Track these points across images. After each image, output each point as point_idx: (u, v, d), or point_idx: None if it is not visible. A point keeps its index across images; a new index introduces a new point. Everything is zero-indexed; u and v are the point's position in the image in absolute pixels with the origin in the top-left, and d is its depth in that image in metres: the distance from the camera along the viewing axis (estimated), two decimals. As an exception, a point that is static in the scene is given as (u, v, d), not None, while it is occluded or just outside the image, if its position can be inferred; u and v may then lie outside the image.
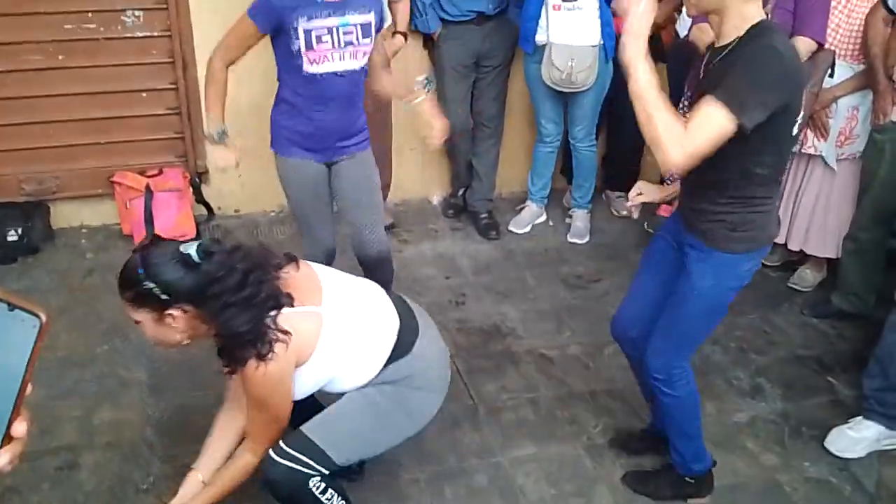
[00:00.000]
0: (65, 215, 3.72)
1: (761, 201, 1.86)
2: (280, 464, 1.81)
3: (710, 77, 1.80)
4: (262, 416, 1.80)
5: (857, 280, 3.13)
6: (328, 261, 2.61)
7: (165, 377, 2.75)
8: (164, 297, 1.66)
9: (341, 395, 1.93)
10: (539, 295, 3.36)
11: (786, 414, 2.69)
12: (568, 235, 3.83)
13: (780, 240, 3.39)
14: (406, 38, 3.49)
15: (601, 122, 3.81)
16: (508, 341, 3.04)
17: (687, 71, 3.31)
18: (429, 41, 3.72)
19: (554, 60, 3.35)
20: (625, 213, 4.06)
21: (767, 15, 2.75)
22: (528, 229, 3.88)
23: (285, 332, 1.70)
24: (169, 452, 2.41)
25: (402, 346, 1.91)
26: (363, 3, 2.40)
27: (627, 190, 2.41)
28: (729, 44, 1.77)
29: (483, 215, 3.88)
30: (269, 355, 1.68)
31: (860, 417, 2.53)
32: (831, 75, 2.88)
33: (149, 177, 3.60)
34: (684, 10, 2.65)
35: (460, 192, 4.02)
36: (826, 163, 3.16)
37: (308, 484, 1.83)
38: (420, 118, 2.59)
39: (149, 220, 3.51)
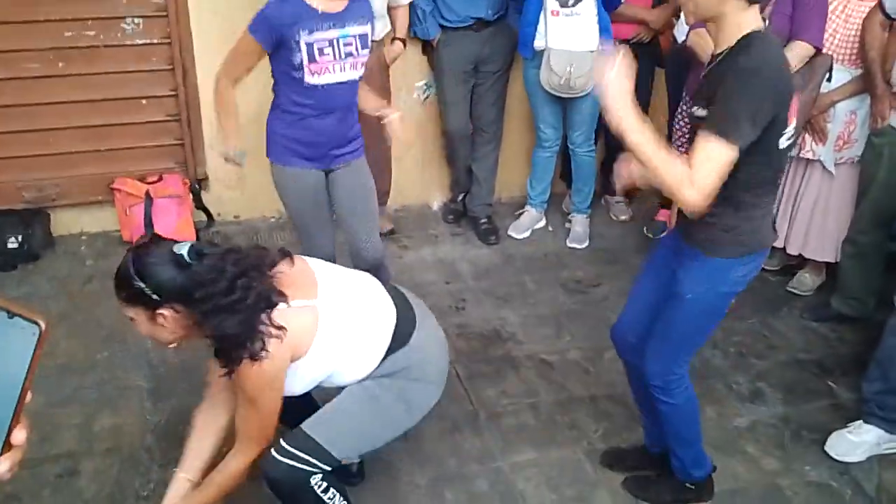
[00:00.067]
0: (65, 222, 3.72)
1: (752, 207, 1.86)
2: (281, 462, 1.81)
3: (705, 85, 1.82)
4: (252, 415, 1.78)
5: (856, 283, 3.13)
6: None
7: (165, 383, 2.75)
8: (154, 296, 1.65)
9: (341, 389, 1.93)
10: (539, 300, 3.36)
11: (786, 418, 2.68)
12: (567, 240, 3.83)
13: (779, 244, 3.40)
14: (405, 45, 3.50)
15: (600, 127, 3.82)
16: (508, 346, 3.04)
17: (685, 75, 3.32)
18: (428, 47, 3.73)
19: (552, 66, 3.36)
20: (624, 217, 4.07)
21: (765, 20, 2.77)
22: (527, 234, 3.89)
23: (279, 328, 1.69)
24: (169, 458, 2.40)
25: (400, 338, 1.90)
26: (361, 14, 2.42)
27: (626, 195, 2.42)
28: (722, 52, 1.79)
29: (483, 220, 3.89)
30: (263, 353, 1.67)
31: (860, 421, 2.52)
32: (829, 80, 2.88)
33: (149, 183, 3.61)
34: (682, 15, 2.66)
35: (460, 198, 4.03)
36: (824, 167, 3.16)
37: (310, 482, 1.84)
38: (392, 125, 2.58)
39: (149, 226, 3.52)
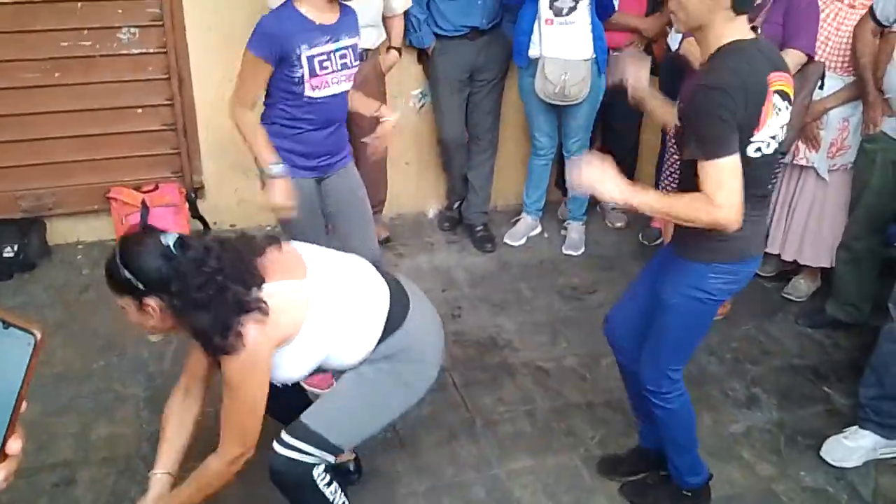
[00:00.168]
0: (61, 231, 3.72)
1: None
2: (282, 455, 1.83)
3: (685, 95, 1.84)
4: (234, 405, 1.75)
5: (851, 289, 3.14)
6: None
7: (161, 392, 2.74)
8: (140, 286, 1.65)
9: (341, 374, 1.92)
10: (535, 307, 3.37)
11: (782, 424, 2.69)
12: (563, 247, 3.84)
13: (774, 250, 3.41)
14: (400, 54, 3.51)
15: (595, 135, 3.84)
16: (505, 353, 3.04)
17: (678, 84, 3.33)
18: (423, 56, 3.75)
19: (547, 74, 3.37)
20: (619, 224, 4.08)
21: (757, 29, 2.79)
22: (523, 241, 3.90)
23: (263, 313, 1.67)
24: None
25: (395, 320, 1.90)
26: (352, 25, 2.44)
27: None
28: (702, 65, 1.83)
29: (479, 228, 3.90)
30: (240, 348, 1.66)
31: (856, 427, 2.53)
32: (821, 87, 2.90)
33: (145, 192, 3.61)
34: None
35: (456, 205, 4.04)
36: (818, 174, 3.18)
37: (312, 473, 1.85)
38: (384, 127, 2.61)
39: (145, 235, 3.52)
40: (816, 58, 2.90)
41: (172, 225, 3.61)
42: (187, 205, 3.74)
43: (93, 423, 2.60)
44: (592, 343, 3.09)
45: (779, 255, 3.43)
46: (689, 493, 2.29)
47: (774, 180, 3.15)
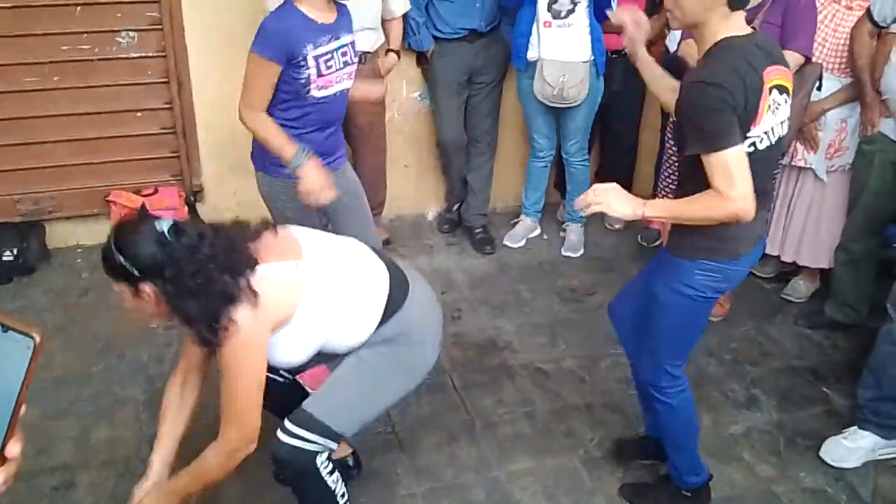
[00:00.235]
0: (60, 235, 3.72)
1: None
2: (285, 443, 1.83)
3: (681, 92, 1.85)
4: (231, 390, 1.73)
5: (849, 290, 3.15)
6: None
7: (161, 395, 2.73)
8: (135, 272, 1.65)
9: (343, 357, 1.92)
10: (534, 309, 3.37)
11: (781, 425, 2.69)
12: (562, 249, 3.85)
13: (773, 252, 3.42)
14: (399, 56, 3.52)
15: (593, 136, 3.84)
16: (504, 355, 3.04)
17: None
18: (422, 59, 3.75)
19: (546, 76, 3.38)
20: (618, 226, 4.08)
21: (755, 30, 2.79)
22: (522, 243, 3.90)
23: (254, 299, 1.66)
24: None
25: (395, 303, 1.89)
26: (348, 23, 2.44)
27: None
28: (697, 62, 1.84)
29: (478, 230, 3.90)
30: (232, 330, 1.65)
31: (855, 427, 2.54)
32: (819, 89, 2.90)
33: (144, 196, 3.61)
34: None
35: (455, 207, 4.04)
36: (816, 175, 3.18)
37: (315, 462, 1.86)
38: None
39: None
40: (814, 59, 2.90)
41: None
42: (187, 208, 3.74)
43: (92, 426, 2.60)
44: (591, 345, 3.10)
45: (778, 257, 3.44)
46: (689, 494, 2.29)
47: (774, 179, 3.15)
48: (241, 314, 1.65)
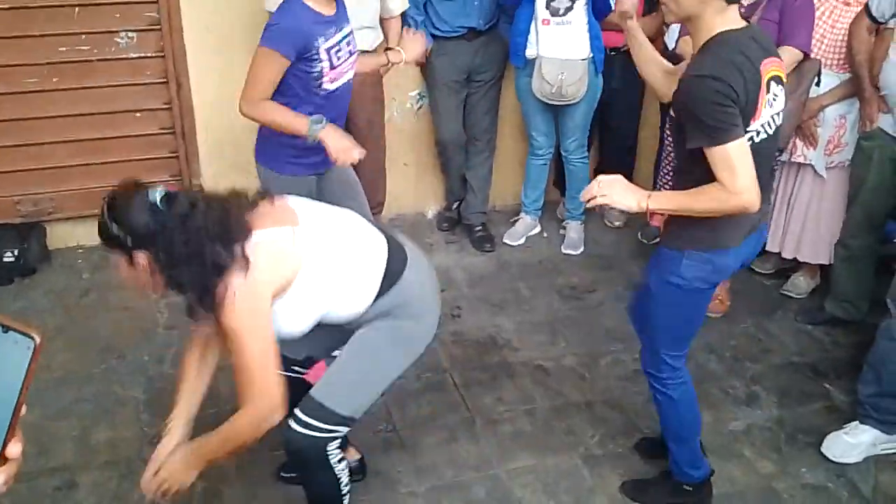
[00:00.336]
0: (61, 236, 3.72)
1: None
2: (296, 431, 1.85)
3: (678, 89, 1.85)
4: (243, 358, 1.71)
5: (849, 286, 3.15)
6: None
7: (162, 395, 2.75)
8: (128, 241, 1.65)
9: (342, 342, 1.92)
10: (534, 306, 3.37)
11: (781, 421, 2.70)
12: (562, 247, 3.85)
13: (773, 248, 3.42)
14: (398, 55, 3.51)
15: (592, 134, 3.84)
16: (504, 353, 3.05)
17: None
18: (421, 57, 3.75)
19: (544, 74, 3.38)
20: (618, 223, 4.08)
21: (749, 24, 2.79)
22: (522, 241, 3.90)
23: (246, 265, 1.65)
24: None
25: (393, 273, 1.88)
26: (345, 12, 2.44)
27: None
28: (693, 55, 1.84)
29: (477, 228, 3.90)
30: (227, 298, 1.64)
31: (856, 422, 2.54)
32: (818, 84, 2.91)
33: (144, 196, 3.61)
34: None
35: (454, 206, 4.04)
36: (816, 171, 3.18)
37: (326, 448, 1.89)
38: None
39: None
40: (812, 55, 2.90)
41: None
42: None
43: (93, 426, 2.61)
44: (592, 342, 3.10)
45: (778, 253, 3.44)
46: (690, 489, 2.29)
47: (774, 172, 3.15)
48: (236, 281, 1.64)
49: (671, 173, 3.35)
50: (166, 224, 1.64)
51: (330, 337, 1.96)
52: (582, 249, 3.83)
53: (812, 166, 3.18)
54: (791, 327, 3.24)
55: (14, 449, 0.76)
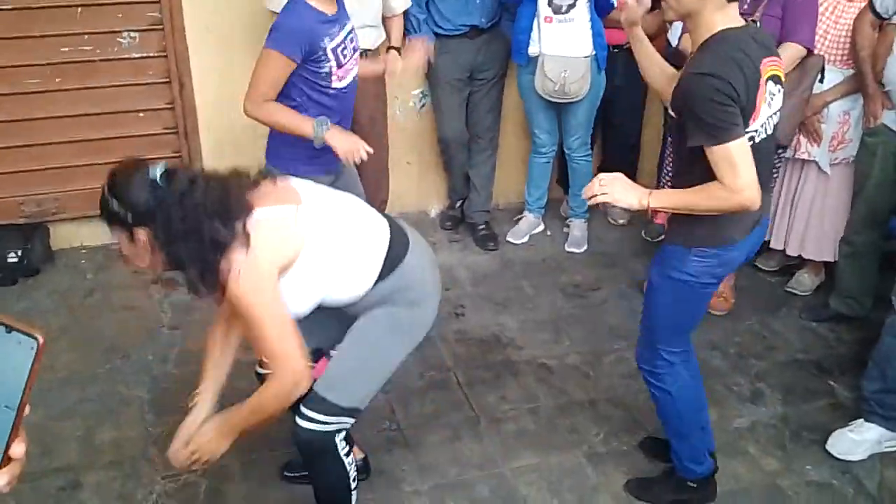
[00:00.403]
0: (64, 236, 3.73)
1: None
2: (303, 427, 1.87)
3: (678, 87, 1.85)
4: (260, 332, 1.70)
5: (853, 283, 3.14)
6: None
7: (166, 395, 2.75)
8: (128, 217, 1.65)
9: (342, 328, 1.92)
10: (538, 305, 3.37)
11: (786, 418, 2.69)
12: (566, 245, 3.84)
13: (777, 246, 3.41)
14: (400, 53, 3.51)
15: (595, 132, 3.84)
16: (508, 351, 3.05)
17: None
18: (423, 55, 3.75)
19: (547, 72, 3.37)
20: (622, 221, 4.08)
21: (756, 23, 2.79)
22: (525, 239, 3.90)
23: (246, 241, 1.65)
24: (171, 470, 2.40)
25: (395, 257, 1.88)
26: (345, 10, 2.44)
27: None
28: (693, 54, 1.85)
29: (481, 226, 3.90)
30: (231, 274, 1.64)
31: (861, 420, 2.53)
32: (821, 81, 2.90)
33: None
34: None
35: (458, 204, 4.04)
36: (820, 168, 3.17)
37: (334, 440, 1.91)
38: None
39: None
40: (816, 51, 2.89)
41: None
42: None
43: (98, 426, 2.61)
44: (595, 340, 3.10)
45: (782, 250, 3.43)
46: (695, 485, 2.29)
47: (775, 172, 3.15)
48: (239, 258, 1.64)
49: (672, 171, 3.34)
50: (165, 200, 1.63)
51: (338, 326, 1.95)
52: (585, 247, 3.82)
53: (816, 163, 3.17)
54: (795, 324, 3.23)
55: (18, 449, 0.76)
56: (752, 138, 1.81)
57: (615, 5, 3.52)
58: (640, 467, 2.46)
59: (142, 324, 3.18)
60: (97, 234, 3.77)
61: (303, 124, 2.34)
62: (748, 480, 2.43)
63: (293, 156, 2.45)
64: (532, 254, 3.81)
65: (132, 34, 3.49)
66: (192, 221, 1.63)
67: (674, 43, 3.25)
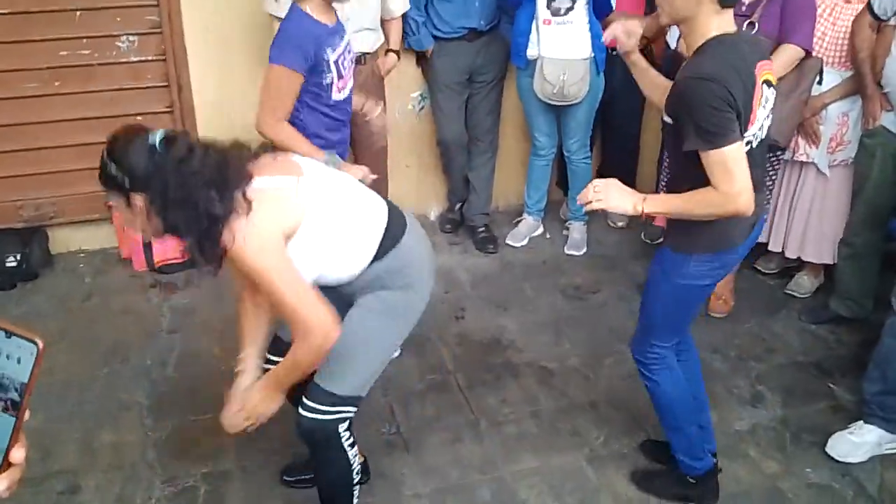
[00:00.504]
0: (63, 240, 3.73)
1: None
2: (305, 417, 1.90)
3: (672, 92, 1.86)
4: (277, 296, 1.71)
5: (853, 285, 3.14)
6: None
7: (165, 399, 2.75)
8: (126, 182, 1.65)
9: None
10: (538, 307, 3.37)
11: (786, 420, 2.69)
12: (565, 247, 3.84)
13: (776, 248, 3.41)
14: (399, 56, 3.51)
15: (595, 134, 3.84)
16: (508, 354, 3.04)
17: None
18: (422, 58, 3.75)
19: (546, 74, 3.37)
20: (621, 224, 4.08)
21: (754, 25, 2.79)
22: (525, 242, 3.90)
23: (246, 208, 1.64)
24: (170, 474, 2.42)
25: (393, 235, 1.88)
26: (340, 20, 2.44)
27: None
28: (687, 59, 1.86)
29: (480, 229, 3.90)
30: (236, 241, 1.63)
31: (861, 422, 2.53)
32: (820, 82, 2.90)
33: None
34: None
35: (457, 207, 4.04)
36: (819, 169, 3.17)
37: (337, 430, 1.93)
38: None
39: (147, 243, 3.52)
40: (814, 53, 2.90)
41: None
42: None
43: (97, 430, 2.61)
44: (596, 342, 3.10)
45: (781, 252, 3.43)
46: (694, 481, 2.29)
47: (773, 173, 3.15)
48: (240, 225, 1.64)
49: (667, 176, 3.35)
50: (162, 166, 1.63)
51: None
52: (585, 250, 3.82)
53: (815, 165, 3.17)
54: (795, 326, 3.23)
55: (18, 454, 0.76)
56: (749, 143, 1.81)
57: (613, 8, 3.53)
58: (642, 469, 2.45)
59: (141, 327, 3.18)
60: (96, 237, 3.77)
61: (315, 155, 2.31)
62: (748, 483, 2.43)
63: None
64: (532, 256, 3.81)
65: (131, 38, 3.49)
66: (187, 189, 1.63)
67: (672, 45, 3.25)
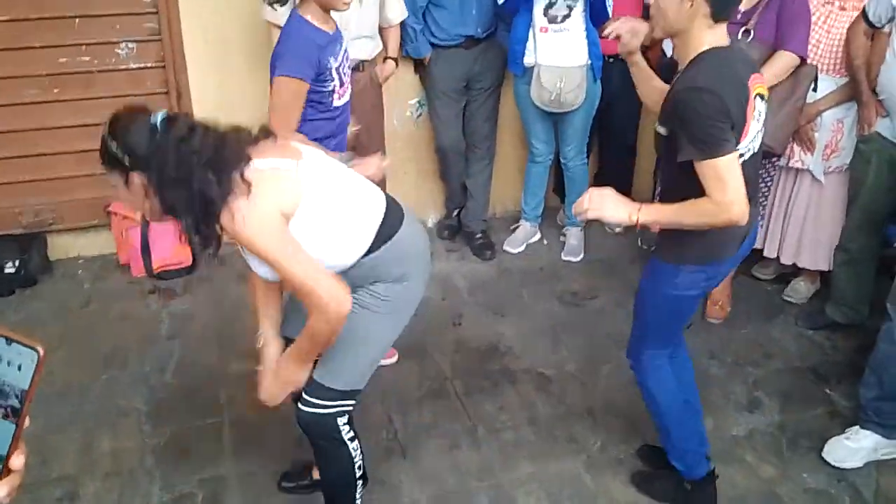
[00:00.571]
0: (62, 246, 3.73)
1: None
2: (304, 411, 1.92)
3: (666, 103, 1.88)
4: (285, 272, 1.71)
5: (849, 290, 3.15)
6: None
7: (164, 405, 2.75)
8: (126, 160, 1.66)
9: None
10: (535, 313, 3.37)
11: (783, 426, 2.69)
12: (562, 253, 3.85)
13: (772, 254, 3.42)
14: (397, 64, 3.53)
15: (592, 140, 3.85)
16: (506, 360, 3.05)
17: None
18: (420, 65, 3.77)
19: (543, 82, 3.39)
20: (618, 230, 4.09)
21: (750, 32, 2.81)
22: (522, 248, 3.91)
23: (247, 184, 1.65)
24: (168, 480, 2.42)
25: (390, 225, 1.89)
26: (339, 29, 2.45)
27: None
28: (681, 71, 1.88)
29: (478, 235, 3.91)
30: (236, 220, 1.64)
31: (857, 427, 2.53)
32: (815, 89, 2.92)
33: (145, 206, 3.62)
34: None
35: (455, 213, 4.05)
36: (814, 176, 3.19)
37: (337, 423, 1.95)
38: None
39: (145, 249, 3.53)
40: (809, 60, 2.91)
41: (173, 239, 3.62)
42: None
43: (96, 436, 2.61)
44: (593, 349, 3.10)
45: (778, 259, 3.44)
46: (690, 486, 2.30)
47: (768, 180, 3.16)
48: (239, 205, 1.64)
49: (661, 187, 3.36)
50: (161, 146, 1.64)
51: None
52: (582, 256, 3.84)
53: (810, 171, 3.18)
54: (792, 332, 3.24)
55: (18, 461, 0.76)
56: (741, 155, 1.83)
57: (610, 15, 3.54)
58: (642, 472, 2.46)
59: (139, 333, 3.18)
60: (95, 244, 3.78)
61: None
62: (745, 488, 2.43)
63: None
64: (529, 262, 3.81)
65: (130, 45, 3.51)
66: (186, 168, 1.63)
67: (669, 53, 3.26)
